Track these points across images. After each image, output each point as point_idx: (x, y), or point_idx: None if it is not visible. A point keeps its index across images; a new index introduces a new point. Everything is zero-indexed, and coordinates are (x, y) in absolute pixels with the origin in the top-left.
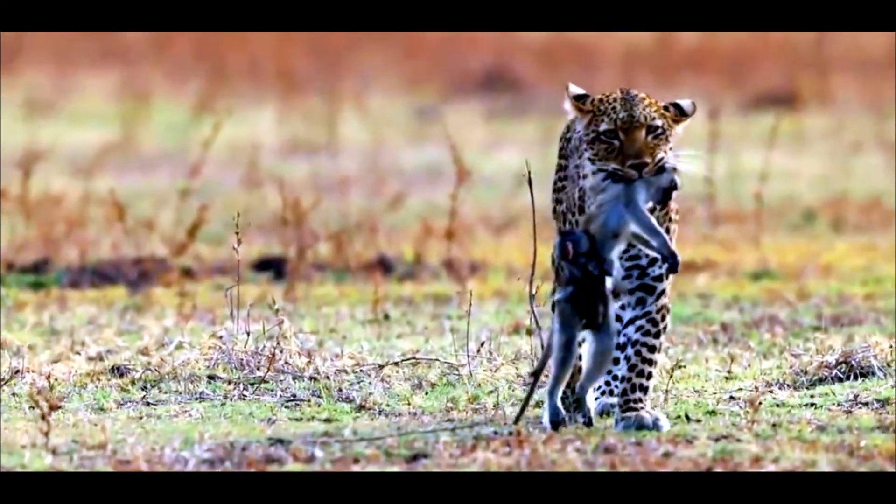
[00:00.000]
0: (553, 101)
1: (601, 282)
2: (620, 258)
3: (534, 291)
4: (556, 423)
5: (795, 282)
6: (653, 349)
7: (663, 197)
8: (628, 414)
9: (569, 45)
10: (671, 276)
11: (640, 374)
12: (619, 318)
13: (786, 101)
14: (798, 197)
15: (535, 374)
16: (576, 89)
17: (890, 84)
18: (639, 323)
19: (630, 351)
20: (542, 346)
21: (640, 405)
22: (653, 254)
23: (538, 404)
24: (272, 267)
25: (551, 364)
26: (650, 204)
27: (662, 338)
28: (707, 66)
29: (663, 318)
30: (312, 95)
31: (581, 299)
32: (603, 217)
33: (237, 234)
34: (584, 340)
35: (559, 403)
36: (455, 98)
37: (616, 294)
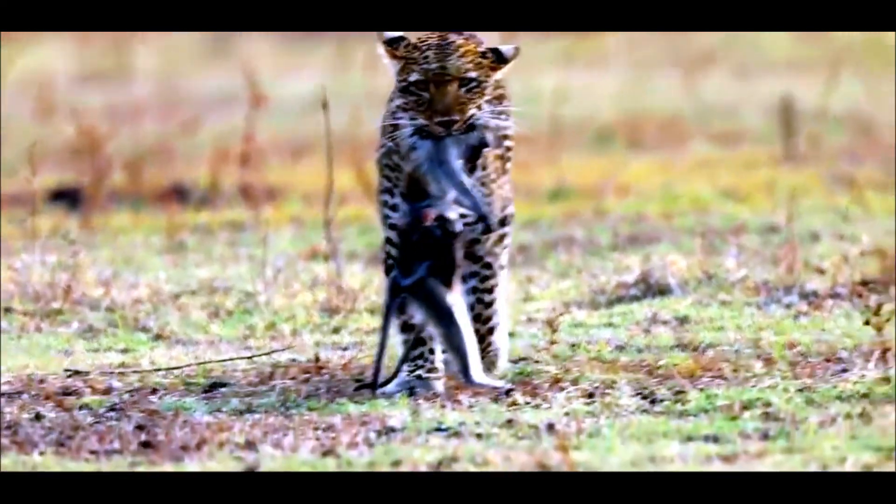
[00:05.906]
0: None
1: (454, 241)
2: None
3: (330, 216)
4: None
5: (593, 201)
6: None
7: (472, 155)
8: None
9: None
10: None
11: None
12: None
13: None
14: (595, 115)
15: (376, 368)
16: (390, 33)
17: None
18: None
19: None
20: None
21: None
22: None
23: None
24: (67, 197)
25: (447, 346)
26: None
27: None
28: None
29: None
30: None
31: (438, 268)
32: (428, 178)
33: (31, 164)
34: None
35: (486, 380)
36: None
37: None
